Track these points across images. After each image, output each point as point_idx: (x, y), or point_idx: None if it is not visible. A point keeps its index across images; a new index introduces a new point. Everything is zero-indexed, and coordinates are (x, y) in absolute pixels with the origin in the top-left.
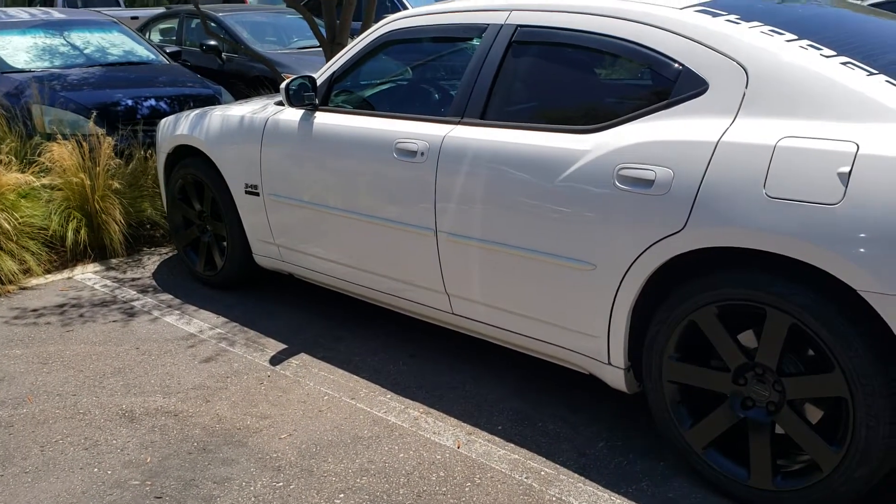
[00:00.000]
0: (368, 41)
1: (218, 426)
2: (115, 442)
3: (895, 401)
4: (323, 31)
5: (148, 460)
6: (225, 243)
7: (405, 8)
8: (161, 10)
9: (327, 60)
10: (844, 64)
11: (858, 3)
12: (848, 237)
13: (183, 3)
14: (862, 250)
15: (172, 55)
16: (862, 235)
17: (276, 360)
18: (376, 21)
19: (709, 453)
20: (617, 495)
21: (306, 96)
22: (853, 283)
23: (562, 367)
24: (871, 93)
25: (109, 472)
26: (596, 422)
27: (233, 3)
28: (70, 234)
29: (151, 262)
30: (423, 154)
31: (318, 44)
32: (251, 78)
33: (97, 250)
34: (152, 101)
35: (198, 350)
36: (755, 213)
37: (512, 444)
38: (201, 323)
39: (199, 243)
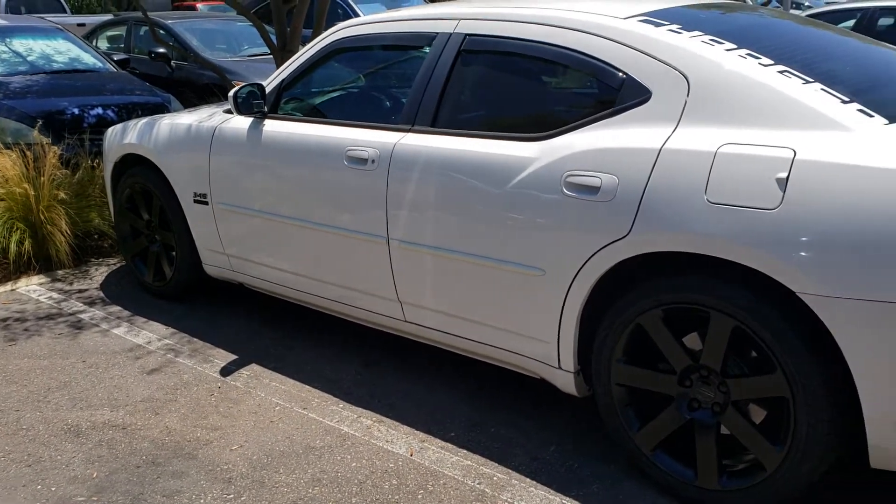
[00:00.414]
0: (318, 49)
1: (167, 439)
2: (59, 458)
3: (835, 400)
4: (273, 38)
5: (94, 475)
6: (174, 253)
7: (357, 16)
8: (108, 17)
9: (278, 68)
10: (782, 72)
11: (797, 13)
12: (786, 241)
13: (131, 10)
14: (800, 253)
15: (120, 63)
16: (800, 239)
17: (226, 371)
18: (327, 28)
19: (657, 455)
20: (568, 499)
21: (255, 104)
22: (792, 286)
23: (514, 372)
24: (806, 100)
25: (54, 489)
26: (548, 426)
27: (183, 10)
28: (13, 246)
29: (99, 273)
30: (373, 161)
31: (269, 51)
32: (201, 86)
33: (42, 262)
34: (99, 110)
35: (146, 362)
36: (697, 219)
37: (465, 451)
38: (150, 334)
39: (147, 253)
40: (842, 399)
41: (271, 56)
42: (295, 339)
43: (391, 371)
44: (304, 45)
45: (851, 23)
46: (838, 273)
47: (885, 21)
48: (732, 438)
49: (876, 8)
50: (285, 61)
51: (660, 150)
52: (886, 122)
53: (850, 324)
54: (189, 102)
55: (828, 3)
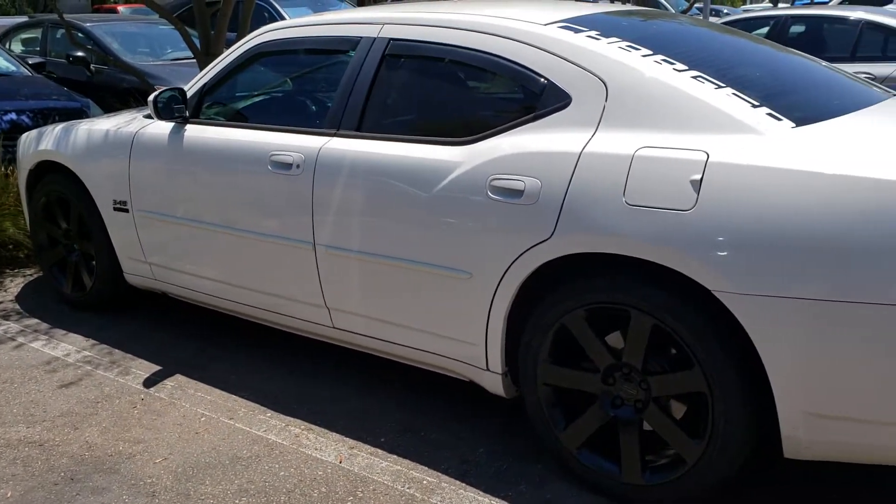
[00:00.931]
0: (240, 52)
1: (87, 454)
2: None
3: (750, 393)
4: (197, 42)
5: (9, 495)
6: (94, 263)
7: (283, 19)
8: (23, 19)
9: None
10: (695, 78)
11: (715, 20)
12: (701, 241)
13: (47, 12)
14: (714, 253)
15: (36, 66)
16: (713, 239)
17: (150, 383)
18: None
19: (582, 453)
20: (497, 499)
21: (176, 109)
22: (707, 284)
23: (444, 375)
24: (718, 104)
25: None
26: (477, 428)
27: (103, 13)
28: None
29: (14, 284)
30: (298, 166)
31: (193, 55)
32: (122, 90)
33: None
34: (13, 115)
35: (65, 375)
36: (616, 220)
37: (394, 456)
38: (69, 347)
39: (66, 263)
40: (756, 392)
41: (195, 60)
42: (221, 348)
43: (320, 378)
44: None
45: (765, 30)
46: (750, 271)
47: (796, 28)
48: (655, 434)
49: (788, 16)
50: (209, 65)
51: (580, 153)
52: (794, 125)
53: (762, 320)
54: (109, 107)
55: (745, 11)
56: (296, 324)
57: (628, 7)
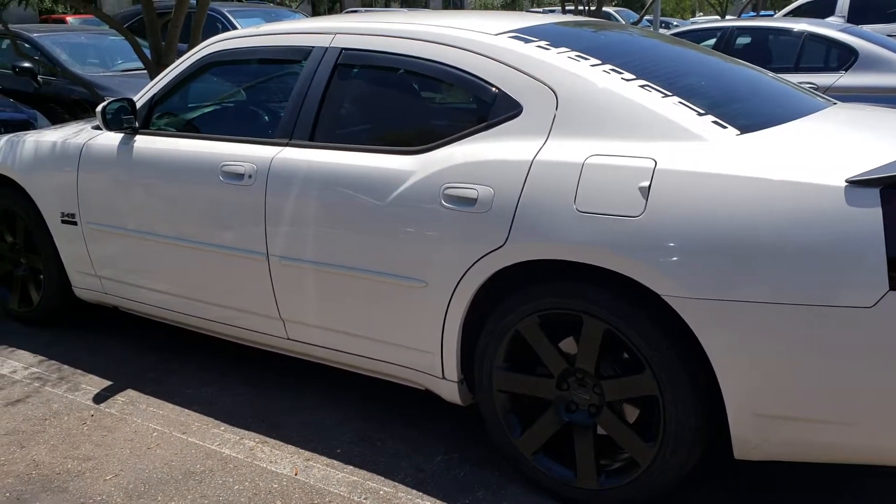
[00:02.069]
0: (190, 62)
1: (34, 472)
2: None
3: (700, 396)
4: (148, 52)
5: None
6: (42, 277)
7: (235, 29)
8: None
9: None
10: (643, 87)
11: (665, 32)
12: (650, 246)
13: None
14: (663, 258)
15: None
16: (663, 244)
17: (100, 398)
18: None
19: (538, 458)
20: None
21: (125, 119)
22: (657, 289)
23: (400, 385)
24: (665, 113)
25: None
26: (434, 437)
27: (51, 23)
28: None
29: None
30: (250, 176)
31: (144, 66)
32: (71, 102)
33: None
34: None
35: (11, 392)
36: (567, 227)
37: (351, 466)
38: (15, 363)
39: (12, 278)
40: (707, 395)
41: (146, 71)
42: (174, 362)
43: (275, 390)
44: None
45: (712, 41)
46: (698, 275)
47: (742, 40)
48: (609, 438)
49: (734, 27)
50: None
51: (531, 161)
52: (738, 132)
53: (711, 323)
54: (58, 119)
55: (693, 23)
56: (251, 336)
57: (579, 18)
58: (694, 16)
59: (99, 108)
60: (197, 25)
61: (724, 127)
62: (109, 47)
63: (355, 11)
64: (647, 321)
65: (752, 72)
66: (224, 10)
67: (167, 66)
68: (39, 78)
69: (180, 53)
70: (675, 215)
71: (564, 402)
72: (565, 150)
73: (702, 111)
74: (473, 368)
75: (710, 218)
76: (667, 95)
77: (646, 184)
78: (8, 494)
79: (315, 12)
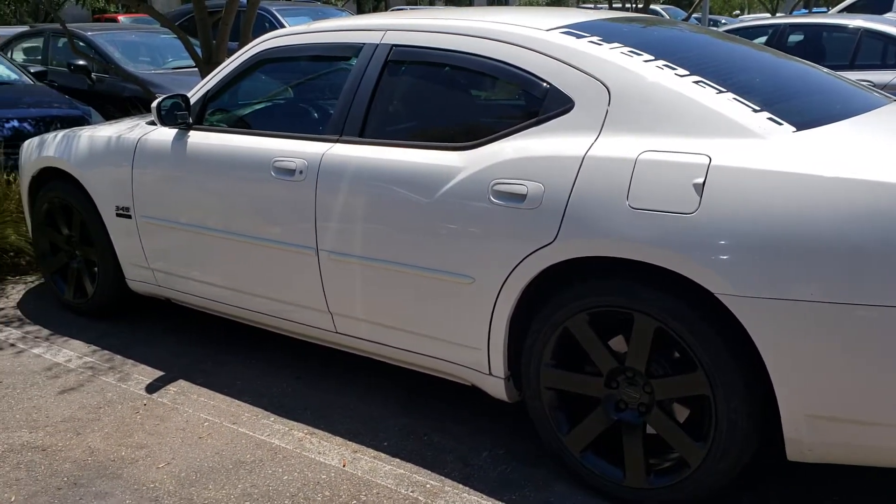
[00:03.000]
0: (243, 60)
1: (90, 459)
2: None
3: (752, 396)
4: (199, 50)
5: (12, 499)
6: (96, 269)
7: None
8: (24, 28)
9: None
10: (697, 83)
11: (713, 28)
12: (704, 244)
13: (48, 21)
14: (717, 256)
15: (38, 75)
16: (717, 242)
17: (152, 388)
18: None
19: (586, 457)
20: (500, 503)
21: (179, 115)
22: (710, 287)
23: (446, 380)
24: (720, 109)
25: None
26: (480, 431)
27: (103, 22)
28: None
29: (16, 291)
30: (301, 172)
31: (194, 64)
32: (123, 99)
33: None
34: (15, 123)
35: (67, 381)
36: (620, 224)
37: (398, 459)
38: (71, 353)
39: (67, 270)
40: (759, 395)
41: (196, 69)
42: (224, 353)
43: (323, 382)
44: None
45: (764, 39)
46: (753, 274)
47: (795, 37)
48: (658, 437)
49: (787, 24)
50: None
51: (583, 157)
52: (794, 129)
53: (765, 322)
54: (110, 116)
55: (741, 21)
56: (299, 329)
57: (629, 15)
58: (742, 13)
59: (154, 104)
60: (247, 24)
61: (780, 124)
62: (160, 45)
63: (401, 9)
64: (700, 320)
65: (808, 68)
66: (272, 9)
67: (217, 63)
68: (93, 75)
69: (230, 51)
70: (730, 212)
71: (613, 401)
72: (618, 146)
73: (757, 108)
74: (520, 365)
75: (765, 216)
76: (721, 91)
77: (700, 180)
78: (66, 479)
79: (360, 10)
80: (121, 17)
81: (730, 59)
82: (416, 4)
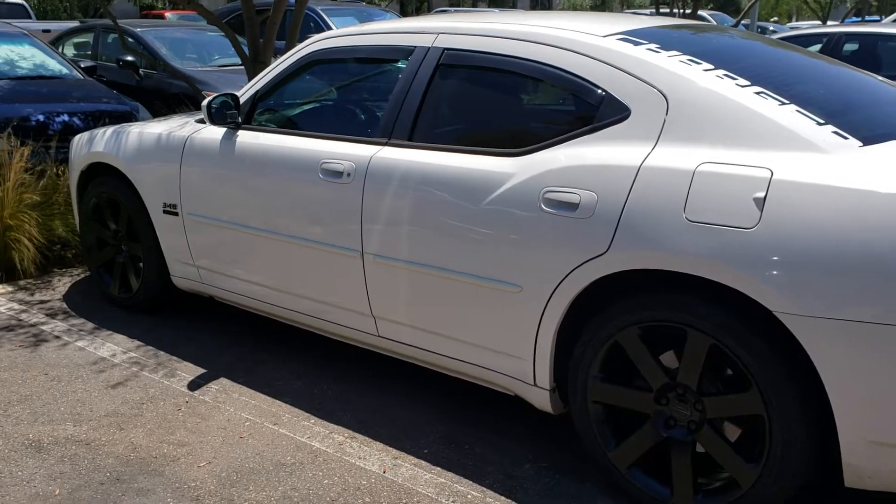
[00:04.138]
0: (293, 60)
1: (133, 455)
2: (20, 474)
3: (809, 418)
4: (245, 49)
5: (57, 492)
6: (141, 264)
7: (329, 29)
8: (74, 23)
9: (250, 79)
10: (758, 93)
11: (767, 36)
12: (764, 260)
13: (98, 17)
14: (777, 273)
15: (88, 70)
16: (777, 258)
17: (194, 385)
18: (300, 40)
19: (633, 473)
20: None
21: (228, 114)
22: (769, 305)
23: (486, 388)
24: (783, 121)
25: None
26: (522, 442)
27: (151, 19)
28: None
29: (62, 283)
30: (349, 175)
31: (241, 62)
32: (170, 95)
33: (3, 272)
34: (65, 117)
35: (111, 375)
36: (676, 237)
37: (439, 468)
38: (114, 347)
39: (113, 264)
40: (816, 417)
41: (242, 67)
42: (265, 352)
43: (363, 386)
44: (276, 56)
45: (817, 47)
46: (814, 292)
47: (850, 46)
48: (708, 456)
49: (842, 33)
50: (257, 72)
51: (639, 167)
52: (860, 144)
53: (826, 343)
54: (157, 112)
55: (792, 28)
56: (341, 331)
57: (683, 21)
58: (790, 21)
59: (204, 103)
60: (295, 23)
61: (846, 138)
62: (207, 43)
63: (444, 11)
64: (757, 338)
65: (870, 78)
66: (318, 9)
67: (264, 62)
68: (141, 71)
69: (277, 50)
70: (792, 229)
71: (663, 417)
72: (675, 157)
73: (821, 121)
74: (566, 377)
75: (829, 233)
76: (783, 103)
77: (761, 195)
78: (108, 474)
79: (403, 12)
80: (167, 14)
81: (789, 69)
82: (459, 6)
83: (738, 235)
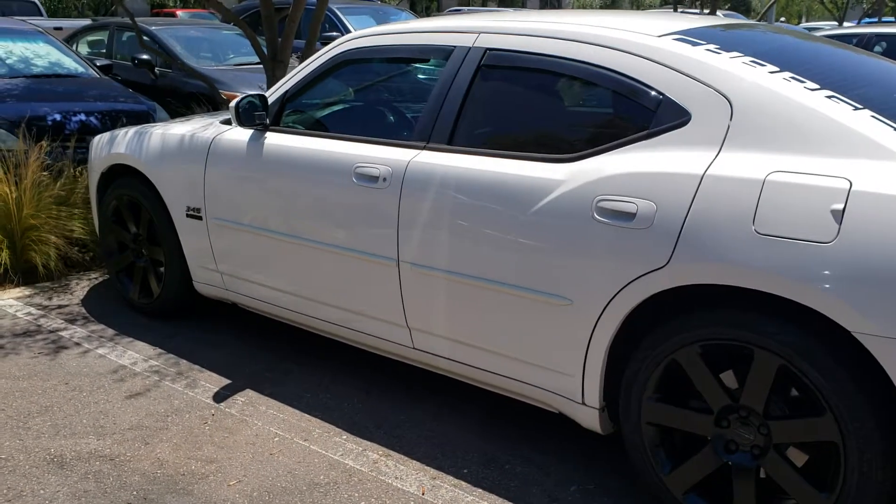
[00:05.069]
0: (325, 59)
1: (159, 472)
2: (42, 492)
3: (889, 446)
4: (264, 47)
5: None
6: (162, 269)
7: (346, 29)
8: (85, 21)
9: (268, 78)
10: (829, 97)
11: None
12: (843, 277)
13: (109, 14)
14: (857, 290)
15: (104, 68)
16: (856, 275)
17: (220, 397)
18: (320, 40)
19: (690, 499)
20: None
21: (257, 115)
22: (848, 325)
23: (524, 402)
24: (860, 128)
25: None
26: (565, 463)
27: (162, 17)
28: None
29: (80, 287)
30: (385, 180)
31: (256, 61)
32: (186, 94)
33: (20, 275)
34: (82, 116)
35: (134, 386)
36: (744, 250)
37: (480, 490)
38: (136, 355)
39: (133, 268)
40: None
41: (258, 66)
42: (290, 362)
43: (396, 398)
44: (294, 56)
45: None
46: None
47: (878, 48)
48: (772, 482)
49: (872, 34)
50: (276, 71)
51: (702, 175)
52: None
53: None
54: (173, 111)
55: (808, 29)
56: (372, 342)
57: (734, 21)
58: (800, 21)
59: (232, 104)
60: (316, 22)
61: None
62: (221, 42)
63: (458, 11)
64: (832, 359)
65: None
66: (334, 8)
67: (283, 61)
68: (156, 70)
69: (295, 49)
70: (874, 244)
71: (723, 441)
72: (742, 165)
73: None
74: (616, 395)
75: None
76: (858, 108)
77: (839, 206)
78: (135, 493)
79: (413, 11)
80: (179, 12)
81: (855, 71)
82: (469, 5)
83: (814, 250)
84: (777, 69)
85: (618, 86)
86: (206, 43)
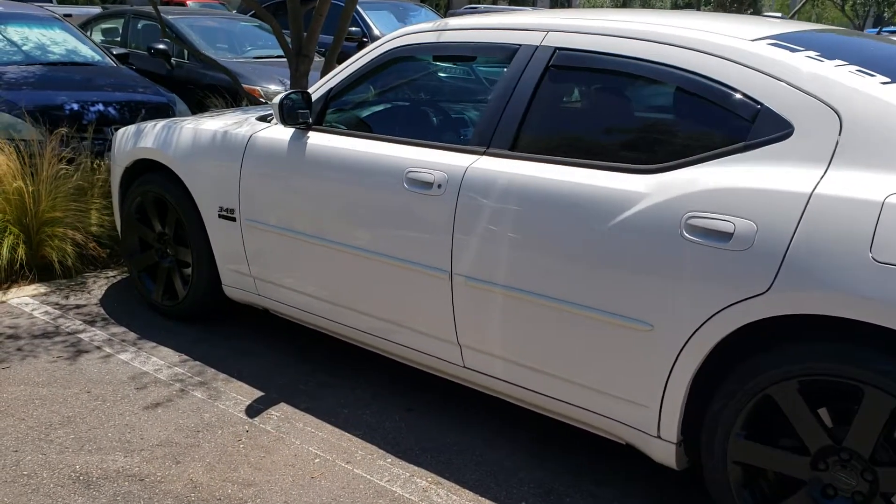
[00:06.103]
0: (374, 56)
1: (194, 496)
2: None
3: None
4: (288, 41)
5: None
6: (188, 270)
7: (365, 25)
8: (95, 8)
9: (292, 73)
10: None
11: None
12: None
13: (119, 2)
14: None
15: (120, 57)
16: None
17: (253, 411)
18: (323, 33)
19: None
20: None
21: (300, 114)
22: None
23: (581, 429)
24: None
25: None
26: (629, 498)
27: (171, 6)
28: (5, 252)
29: (98, 286)
30: (440, 186)
31: (274, 54)
32: (203, 86)
33: (35, 270)
34: (100, 106)
35: (160, 395)
36: (858, 279)
37: None
38: (160, 362)
39: (157, 269)
40: None
41: (278, 59)
42: (325, 374)
43: (441, 418)
44: (319, 51)
45: None
46: None
47: None
48: None
49: None
50: (300, 66)
51: (810, 195)
52: None
53: None
54: (189, 102)
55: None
56: (416, 356)
57: (821, 25)
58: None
59: (276, 101)
60: (345, 17)
61: None
62: (238, 33)
63: (474, 9)
64: None
65: None
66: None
67: (308, 55)
68: (172, 60)
69: (321, 44)
70: None
71: (820, 485)
72: (855, 184)
73: None
74: (697, 430)
75: None
76: None
77: None
78: None
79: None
80: (189, 2)
81: None
82: (480, 2)
83: None
84: (888, 80)
85: (708, 92)
86: (223, 34)
